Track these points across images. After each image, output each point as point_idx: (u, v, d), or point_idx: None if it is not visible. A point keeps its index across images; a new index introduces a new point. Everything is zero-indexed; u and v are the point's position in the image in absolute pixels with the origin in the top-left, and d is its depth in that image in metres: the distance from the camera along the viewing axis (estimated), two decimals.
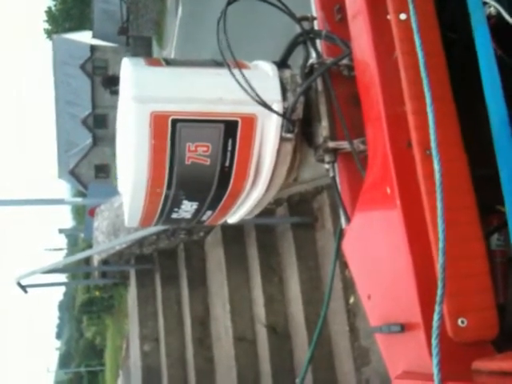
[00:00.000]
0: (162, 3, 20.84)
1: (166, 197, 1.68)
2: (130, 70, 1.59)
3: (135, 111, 1.53)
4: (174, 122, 1.54)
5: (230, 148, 1.59)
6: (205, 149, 1.58)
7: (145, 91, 1.55)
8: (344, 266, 3.64)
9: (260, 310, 5.01)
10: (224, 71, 1.59)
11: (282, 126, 1.59)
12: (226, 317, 5.37)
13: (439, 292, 1.05)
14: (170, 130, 1.54)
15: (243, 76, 1.53)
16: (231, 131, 1.57)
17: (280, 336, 4.78)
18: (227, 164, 1.61)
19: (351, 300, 3.85)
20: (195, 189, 1.69)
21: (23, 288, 6.61)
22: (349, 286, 3.77)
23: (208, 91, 1.58)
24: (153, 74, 1.61)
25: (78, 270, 9.04)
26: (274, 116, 1.58)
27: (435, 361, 0.99)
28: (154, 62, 1.69)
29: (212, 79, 1.61)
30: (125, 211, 1.88)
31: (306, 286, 4.47)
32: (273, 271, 5.01)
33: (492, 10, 1.33)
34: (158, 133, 1.53)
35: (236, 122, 1.57)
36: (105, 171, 31.87)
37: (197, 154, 1.58)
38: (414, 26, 1.26)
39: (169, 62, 1.69)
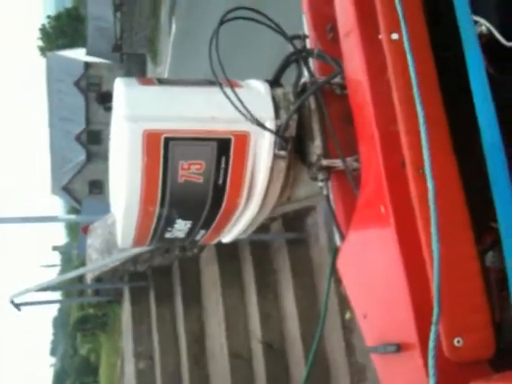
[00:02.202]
0: (155, 20, 20.96)
1: (159, 216, 1.68)
2: (122, 89, 1.60)
3: (128, 130, 1.53)
4: (167, 140, 1.53)
5: (223, 165, 1.58)
6: (198, 167, 1.57)
7: (137, 110, 1.55)
8: (339, 282, 3.63)
9: (256, 327, 4.98)
10: (217, 90, 1.59)
11: (275, 144, 1.59)
12: (222, 334, 5.33)
13: (435, 312, 1.04)
14: (163, 149, 1.53)
15: (235, 94, 1.53)
16: (224, 149, 1.57)
17: (276, 353, 4.75)
18: (220, 182, 1.60)
19: (347, 316, 3.83)
20: (189, 207, 1.68)
21: (17, 306, 6.56)
22: (344, 302, 3.76)
23: (201, 110, 1.58)
24: (145, 93, 1.61)
25: (71, 288, 8.97)
26: (267, 134, 1.58)
27: (432, 381, 0.98)
28: (146, 82, 1.70)
29: (204, 98, 1.62)
30: (117, 232, 1.86)
31: (302, 302, 4.45)
32: (268, 287, 4.99)
33: (483, 28, 1.34)
34: (151, 151, 1.53)
35: (229, 140, 1.57)
36: (99, 187, 31.82)
37: (190, 172, 1.58)
38: (406, 45, 1.27)
39: (162, 81, 1.70)
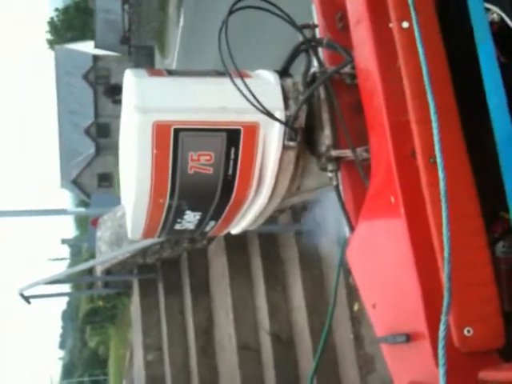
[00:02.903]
0: (163, 13, 20.93)
1: (169, 207, 1.68)
2: (132, 80, 1.60)
3: (137, 121, 1.53)
4: (177, 131, 1.53)
5: (232, 157, 1.58)
6: (207, 158, 1.57)
7: (147, 101, 1.55)
8: (348, 273, 3.63)
9: (264, 318, 5.00)
10: (226, 80, 1.59)
11: (285, 134, 1.59)
12: (230, 325, 5.35)
13: (445, 302, 1.04)
14: (173, 140, 1.53)
15: (245, 85, 1.53)
16: (234, 140, 1.57)
17: (284, 344, 4.76)
18: (230, 173, 1.60)
19: (355, 307, 3.84)
20: (198, 198, 1.68)
21: (26, 299, 6.61)
22: (353, 294, 3.76)
23: (210, 100, 1.58)
24: (155, 84, 1.61)
25: (80, 280, 9.03)
26: (277, 124, 1.57)
27: (442, 371, 0.98)
28: (156, 73, 1.70)
29: (214, 88, 1.61)
30: (127, 223, 1.87)
31: (310, 293, 4.45)
32: (276, 279, 5.00)
33: (495, 16, 1.33)
34: (161, 142, 1.53)
35: (238, 131, 1.56)
36: (108, 180, 31.94)
37: (199, 164, 1.58)
38: (416, 34, 1.26)
39: (171, 72, 1.69)
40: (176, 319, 6.31)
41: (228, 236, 5.16)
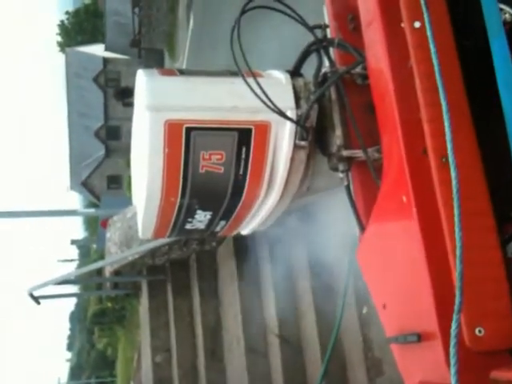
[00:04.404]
0: (173, 16, 20.99)
1: (180, 206, 1.68)
2: (144, 80, 1.60)
3: (150, 120, 1.54)
4: (189, 130, 1.54)
5: (243, 156, 1.59)
6: (219, 157, 1.58)
7: (159, 100, 1.55)
8: (357, 276, 3.61)
9: (272, 321, 4.98)
10: (238, 80, 1.60)
11: (296, 134, 1.59)
12: (238, 328, 5.34)
13: (457, 300, 1.04)
14: (185, 138, 1.54)
15: (258, 84, 1.53)
16: (245, 139, 1.57)
17: (293, 347, 4.75)
18: (241, 172, 1.61)
19: (364, 310, 3.82)
20: (209, 197, 1.68)
21: (36, 299, 6.62)
22: (362, 297, 3.74)
23: (222, 99, 1.59)
24: (167, 83, 1.62)
25: (90, 281, 9.05)
26: (288, 123, 1.58)
27: (453, 370, 0.98)
28: (168, 72, 1.71)
29: (226, 88, 1.62)
30: (138, 222, 1.88)
31: (319, 296, 4.43)
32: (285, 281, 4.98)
33: (507, 16, 1.33)
34: (173, 141, 1.54)
35: (250, 130, 1.57)
36: (117, 182, 32.01)
37: (211, 163, 1.58)
38: (428, 33, 1.26)
39: (183, 72, 1.70)
40: (184, 321, 6.31)
41: (237, 239, 5.15)
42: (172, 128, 1.53)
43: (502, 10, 1.33)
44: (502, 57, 1.22)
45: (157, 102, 1.55)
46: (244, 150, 1.59)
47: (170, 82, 1.63)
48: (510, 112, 1.22)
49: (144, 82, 1.59)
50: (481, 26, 1.28)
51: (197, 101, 1.58)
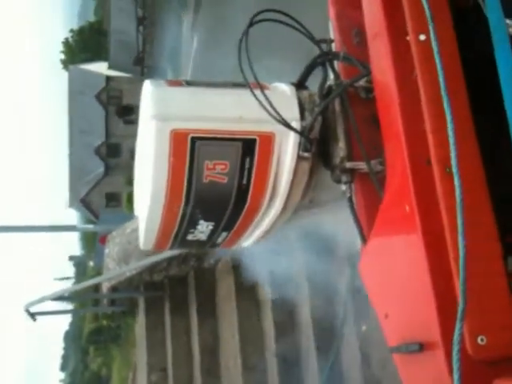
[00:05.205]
0: (177, 34, 21.18)
1: (183, 216, 1.69)
2: (150, 89, 1.62)
3: (155, 129, 1.55)
4: (194, 139, 1.56)
5: (247, 166, 1.60)
6: (223, 167, 1.59)
7: (165, 109, 1.57)
8: (356, 292, 3.61)
9: (270, 339, 4.96)
10: (243, 91, 1.62)
11: (300, 145, 1.61)
12: (236, 346, 5.31)
13: (460, 307, 1.04)
14: (190, 148, 1.55)
15: (264, 94, 1.55)
16: (249, 149, 1.59)
17: (290, 365, 4.72)
18: (244, 182, 1.62)
19: (363, 328, 3.81)
20: (212, 207, 1.69)
21: (32, 316, 6.57)
22: (361, 314, 3.73)
23: (227, 110, 1.60)
24: (173, 93, 1.64)
25: (87, 297, 9.01)
26: (292, 134, 1.59)
27: (456, 376, 0.98)
28: (174, 83, 1.73)
29: (231, 98, 1.64)
30: (140, 233, 1.88)
31: (317, 313, 4.42)
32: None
33: (510, 30, 1.35)
34: (178, 150, 1.55)
35: (254, 140, 1.58)
36: (116, 200, 32.00)
37: (215, 172, 1.59)
38: (434, 46, 1.28)
39: (189, 83, 1.73)
40: (181, 339, 6.27)
41: (235, 257, 5.15)
42: (177, 137, 1.55)
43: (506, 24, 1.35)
44: (508, 68, 1.24)
45: (163, 111, 1.57)
46: (248, 160, 1.60)
47: (176, 92, 1.65)
48: None
49: (150, 92, 1.61)
50: (486, 37, 1.30)
51: (202, 111, 1.60)
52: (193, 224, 1.74)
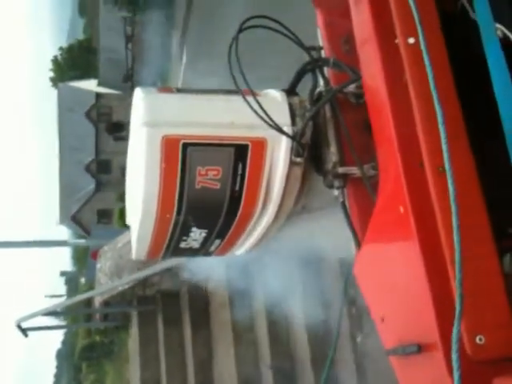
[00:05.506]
0: (166, 51, 21.27)
1: (176, 223, 1.68)
2: (141, 96, 1.62)
3: (146, 135, 1.55)
4: (185, 145, 1.55)
5: (240, 172, 1.59)
6: (215, 173, 1.59)
7: (156, 116, 1.57)
8: (351, 303, 3.60)
9: (265, 352, 4.92)
10: (234, 97, 1.62)
11: (292, 150, 1.61)
12: (230, 360, 5.26)
13: (458, 306, 1.04)
14: (181, 154, 1.55)
15: (256, 100, 1.56)
16: (241, 155, 1.58)
17: (286, 378, 4.68)
18: (237, 188, 1.61)
19: (358, 339, 3.79)
20: (205, 214, 1.68)
21: (23, 331, 6.49)
22: (356, 325, 3.72)
23: (219, 116, 1.60)
24: (164, 100, 1.64)
25: (79, 312, 8.93)
26: (284, 140, 1.59)
27: (456, 375, 0.97)
28: (165, 90, 1.73)
29: (222, 104, 1.64)
30: (132, 242, 1.87)
31: (312, 324, 4.40)
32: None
33: (499, 33, 1.36)
34: (169, 156, 1.55)
35: (246, 146, 1.58)
36: (107, 216, 31.85)
37: (207, 178, 1.59)
38: (423, 48, 1.29)
39: (180, 90, 1.73)
40: (175, 353, 6.20)
41: (229, 269, 5.10)
42: (169, 143, 1.54)
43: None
44: (498, 69, 1.25)
45: (154, 117, 1.56)
46: (240, 165, 1.59)
47: (167, 99, 1.65)
48: (508, 123, 1.24)
49: (141, 99, 1.61)
50: (474, 40, 1.31)
51: (194, 117, 1.60)
52: (186, 231, 1.73)
